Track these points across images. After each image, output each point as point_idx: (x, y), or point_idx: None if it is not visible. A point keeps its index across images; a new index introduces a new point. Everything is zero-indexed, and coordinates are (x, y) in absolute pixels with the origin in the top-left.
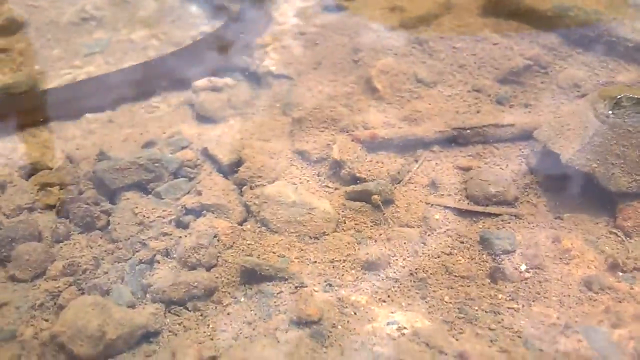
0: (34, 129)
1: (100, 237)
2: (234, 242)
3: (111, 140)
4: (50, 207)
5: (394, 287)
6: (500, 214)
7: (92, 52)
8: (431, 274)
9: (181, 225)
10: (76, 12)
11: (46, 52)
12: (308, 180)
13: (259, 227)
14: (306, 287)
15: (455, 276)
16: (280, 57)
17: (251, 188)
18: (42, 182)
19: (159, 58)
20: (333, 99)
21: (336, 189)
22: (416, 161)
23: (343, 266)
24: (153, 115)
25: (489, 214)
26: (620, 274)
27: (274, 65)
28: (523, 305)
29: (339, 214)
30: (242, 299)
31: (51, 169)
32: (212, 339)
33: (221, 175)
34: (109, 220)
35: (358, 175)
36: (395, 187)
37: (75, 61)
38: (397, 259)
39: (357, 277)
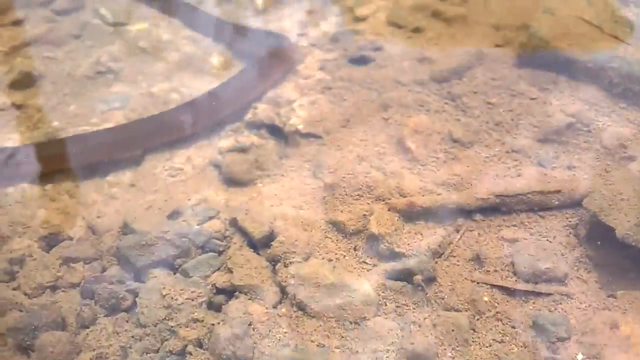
0: (54, 192)
1: (127, 321)
2: (269, 330)
3: (134, 208)
4: (74, 286)
5: None
6: (551, 294)
7: (111, 108)
8: None
9: (212, 307)
10: (92, 64)
11: (63, 107)
12: (344, 256)
13: (295, 312)
14: None
15: None
16: (307, 114)
17: (285, 265)
18: (64, 257)
19: (175, 109)
20: (365, 160)
21: (374, 265)
22: (457, 231)
23: (387, 357)
24: (177, 179)
25: (540, 294)
26: None
27: (302, 123)
28: None
29: (379, 295)
30: None
31: (72, 239)
32: None
33: (252, 250)
34: (135, 301)
35: (397, 250)
36: (436, 262)
37: (93, 118)
38: (445, 349)
39: None
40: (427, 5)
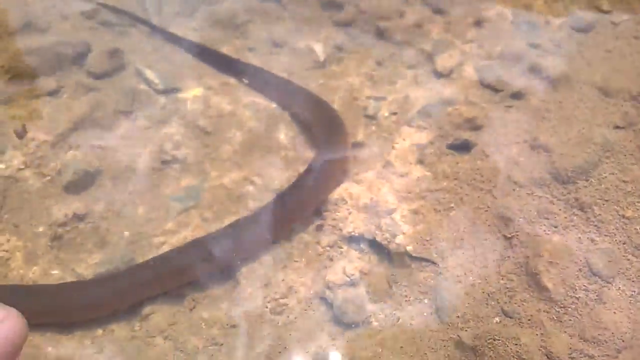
0: None
1: None
2: None
3: None
4: None
5: None
6: None
7: (185, 208)
8: None
9: None
10: (154, 153)
11: (130, 211)
12: None
13: None
14: None
15: None
16: (413, 230)
17: None
18: None
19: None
20: (492, 299)
21: None
22: None
23: None
24: (287, 319)
25: None
26: None
27: (409, 242)
28: None
29: None
30: None
31: None
32: None
33: None
34: None
35: None
36: None
37: (168, 223)
38: None
39: None
40: (524, 57)
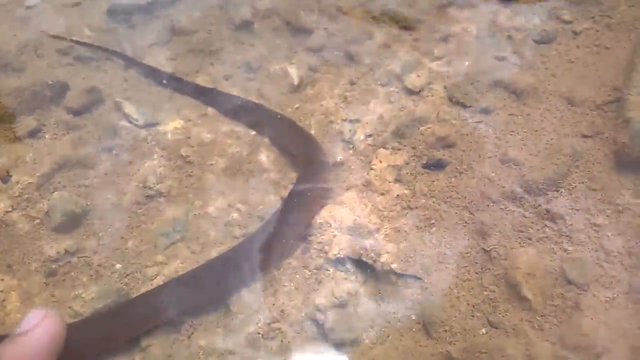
0: None
1: None
2: None
3: None
4: None
5: None
6: None
7: (173, 242)
8: None
9: None
10: (138, 188)
11: (119, 245)
12: None
13: None
14: None
15: None
16: (397, 247)
17: None
18: None
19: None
20: (478, 310)
21: None
22: None
23: None
24: (279, 344)
25: None
26: None
27: (394, 260)
28: None
29: None
30: None
31: None
32: None
33: None
34: None
35: None
36: None
37: (158, 255)
38: None
39: None
40: (490, 71)
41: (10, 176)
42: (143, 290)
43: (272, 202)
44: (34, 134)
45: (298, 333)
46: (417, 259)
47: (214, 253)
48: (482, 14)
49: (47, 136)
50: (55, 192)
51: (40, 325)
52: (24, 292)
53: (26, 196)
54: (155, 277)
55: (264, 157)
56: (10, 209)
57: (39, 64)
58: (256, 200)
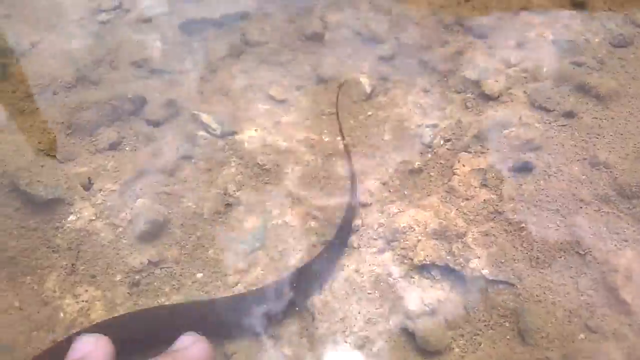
0: None
1: None
2: None
3: None
4: None
5: None
6: None
7: (252, 250)
8: None
9: None
10: (218, 196)
11: (200, 254)
12: None
13: None
14: None
15: None
16: (487, 252)
17: None
18: None
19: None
20: (576, 315)
21: None
22: None
23: None
24: (371, 352)
25: None
26: None
27: (484, 265)
28: None
29: None
30: None
31: None
32: None
33: None
34: None
35: None
36: None
37: (238, 263)
38: None
39: None
40: (570, 76)
41: (92, 183)
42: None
43: (347, 207)
44: (114, 145)
45: (386, 341)
46: (508, 265)
47: (292, 261)
48: (557, 20)
49: (127, 148)
50: (139, 200)
51: (194, 346)
52: (108, 302)
53: (109, 204)
54: (236, 285)
55: (339, 165)
56: (94, 217)
57: (114, 76)
58: (333, 207)
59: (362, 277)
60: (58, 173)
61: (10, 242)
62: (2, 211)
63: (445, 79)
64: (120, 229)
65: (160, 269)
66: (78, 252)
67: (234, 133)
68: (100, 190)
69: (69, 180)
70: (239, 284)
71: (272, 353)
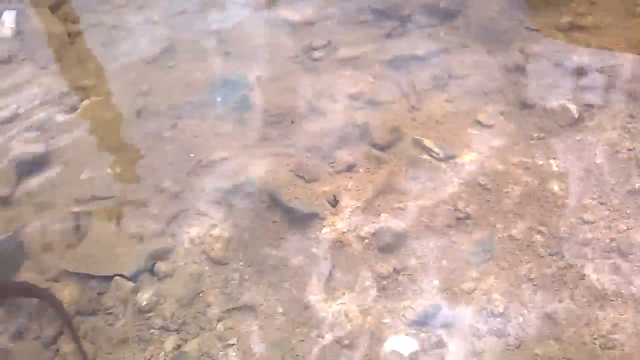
0: None
1: None
2: None
3: None
4: None
5: None
6: None
7: (484, 260)
8: None
9: None
10: (448, 211)
11: (435, 263)
12: None
13: None
14: None
15: None
16: None
17: None
18: None
19: None
20: None
21: None
22: None
23: None
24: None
25: None
26: None
27: None
28: None
29: None
30: None
31: None
32: None
33: None
34: None
35: None
36: None
37: (472, 272)
38: None
39: None
40: None
41: (337, 201)
42: (462, 303)
43: (570, 224)
44: (350, 168)
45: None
46: None
47: (523, 271)
48: None
49: (361, 170)
50: (382, 215)
51: None
52: (360, 303)
53: (355, 218)
54: (473, 292)
55: (556, 186)
56: (345, 230)
57: (336, 107)
58: (557, 223)
59: None
60: (307, 192)
61: (271, 252)
62: (264, 224)
63: None
64: (366, 241)
65: (403, 275)
66: (333, 264)
67: (454, 157)
68: (347, 207)
69: (318, 198)
70: (476, 290)
71: None
